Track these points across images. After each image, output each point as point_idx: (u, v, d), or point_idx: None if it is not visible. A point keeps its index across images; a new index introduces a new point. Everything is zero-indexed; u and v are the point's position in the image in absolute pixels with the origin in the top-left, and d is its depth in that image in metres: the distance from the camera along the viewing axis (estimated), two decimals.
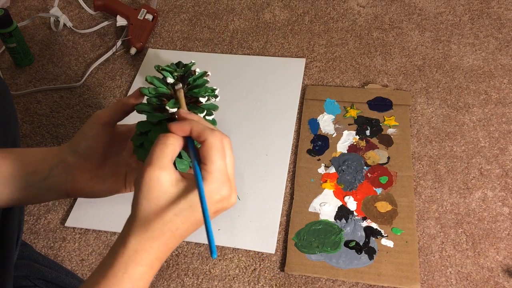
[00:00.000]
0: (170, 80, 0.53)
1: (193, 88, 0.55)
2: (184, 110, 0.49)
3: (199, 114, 0.55)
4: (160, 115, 0.53)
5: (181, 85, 0.53)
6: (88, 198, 0.60)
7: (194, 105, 0.54)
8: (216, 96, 0.56)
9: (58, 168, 0.56)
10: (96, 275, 0.44)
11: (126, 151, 0.61)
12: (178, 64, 0.57)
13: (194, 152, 0.47)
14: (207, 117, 0.55)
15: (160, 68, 0.55)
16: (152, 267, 0.45)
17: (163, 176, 0.44)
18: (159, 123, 0.54)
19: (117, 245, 0.45)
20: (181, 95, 0.52)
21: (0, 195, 0.56)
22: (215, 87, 0.56)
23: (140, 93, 0.56)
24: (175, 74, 0.54)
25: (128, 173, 0.60)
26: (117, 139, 0.60)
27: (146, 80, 0.55)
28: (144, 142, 0.55)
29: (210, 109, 0.56)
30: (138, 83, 1.05)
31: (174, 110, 0.52)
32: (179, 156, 0.52)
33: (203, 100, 0.54)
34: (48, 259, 0.78)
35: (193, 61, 0.57)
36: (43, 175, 0.56)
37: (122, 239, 0.45)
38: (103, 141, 0.56)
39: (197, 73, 0.56)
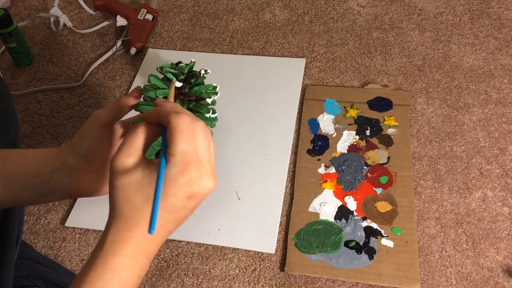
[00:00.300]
0: (178, 84, 0.54)
1: (194, 86, 0.55)
2: (160, 99, 0.49)
3: (205, 114, 0.55)
4: None
5: (174, 79, 0.53)
6: (92, 197, 0.60)
7: (197, 104, 0.55)
8: (216, 93, 0.57)
9: (60, 171, 0.56)
10: (82, 270, 0.44)
11: None
12: (178, 64, 0.57)
13: (165, 140, 0.45)
14: (211, 115, 0.56)
15: (164, 70, 0.55)
16: (134, 259, 0.44)
17: (128, 162, 0.44)
18: None
19: (99, 240, 0.45)
20: (172, 88, 0.52)
21: (3, 195, 0.55)
22: (215, 85, 0.57)
23: (138, 92, 0.56)
24: (181, 77, 0.55)
25: None
26: (117, 137, 0.60)
27: (149, 80, 0.55)
28: None
29: (213, 105, 0.57)
30: (138, 83, 1.05)
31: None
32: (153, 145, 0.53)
33: (209, 100, 0.55)
34: (48, 259, 0.78)
35: (193, 60, 0.57)
36: (45, 178, 0.55)
37: (103, 233, 0.45)
38: (104, 142, 0.56)
39: (201, 75, 0.57)
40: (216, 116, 0.57)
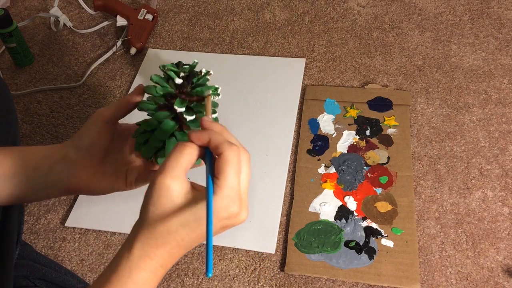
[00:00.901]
0: (178, 81, 0.53)
1: (197, 87, 0.55)
2: (207, 119, 0.49)
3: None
4: (166, 113, 0.54)
5: (210, 91, 0.53)
6: (89, 194, 0.60)
7: (198, 104, 0.55)
8: (218, 95, 0.56)
9: (60, 164, 0.56)
10: (102, 279, 0.45)
11: (127, 149, 0.61)
12: (179, 64, 0.57)
13: (210, 164, 0.46)
14: (212, 116, 0.56)
15: (166, 68, 0.55)
16: (156, 274, 0.45)
17: (173, 185, 0.44)
18: (161, 122, 0.55)
19: (123, 249, 0.45)
20: (209, 102, 0.51)
21: (1, 191, 0.56)
22: (217, 86, 0.57)
23: (141, 90, 0.56)
24: (182, 75, 0.55)
25: (129, 171, 0.60)
26: (118, 137, 0.60)
27: (151, 79, 0.55)
28: (149, 139, 0.55)
29: (214, 108, 0.57)
30: (138, 83, 1.05)
31: (182, 109, 0.52)
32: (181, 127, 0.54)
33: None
34: (48, 259, 0.78)
35: (196, 61, 0.57)
36: (45, 171, 0.56)
37: (128, 243, 0.45)
38: (105, 138, 0.57)
39: (202, 74, 0.57)
40: (216, 117, 0.58)
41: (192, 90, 0.55)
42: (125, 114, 0.58)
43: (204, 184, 0.46)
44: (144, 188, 0.48)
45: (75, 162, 0.56)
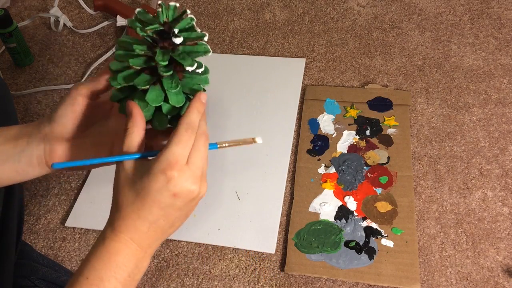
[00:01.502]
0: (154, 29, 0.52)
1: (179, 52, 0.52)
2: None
3: (193, 69, 0.52)
4: (145, 78, 0.52)
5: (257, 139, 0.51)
6: (72, 170, 0.60)
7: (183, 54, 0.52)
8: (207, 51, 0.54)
9: (36, 138, 0.56)
10: (85, 258, 0.49)
11: (112, 120, 0.59)
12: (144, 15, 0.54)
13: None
14: (198, 70, 0.54)
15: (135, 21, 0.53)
16: (128, 246, 0.48)
17: (127, 163, 0.49)
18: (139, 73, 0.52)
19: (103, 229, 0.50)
20: (240, 143, 0.52)
21: None
22: (203, 33, 0.54)
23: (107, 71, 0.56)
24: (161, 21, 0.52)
25: (116, 142, 0.57)
26: (100, 109, 0.58)
27: (116, 48, 0.53)
28: (127, 97, 0.53)
29: (206, 52, 0.54)
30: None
31: (165, 63, 0.50)
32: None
33: (190, 69, 0.51)
34: (48, 259, 0.78)
35: (174, 3, 0.55)
36: (23, 146, 0.56)
37: (107, 222, 0.51)
38: (81, 112, 0.55)
39: (187, 16, 0.53)
40: (206, 69, 0.55)
41: (173, 52, 0.52)
42: (103, 91, 0.56)
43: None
44: None
45: (50, 135, 0.55)
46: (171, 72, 0.50)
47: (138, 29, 0.52)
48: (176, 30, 0.51)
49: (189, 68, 0.51)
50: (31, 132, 0.56)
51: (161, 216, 0.49)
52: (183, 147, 0.48)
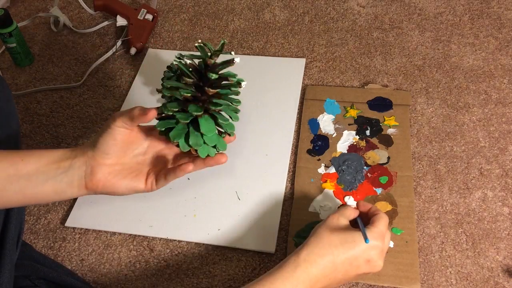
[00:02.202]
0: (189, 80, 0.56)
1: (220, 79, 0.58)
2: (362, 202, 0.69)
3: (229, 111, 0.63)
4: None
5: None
6: (108, 194, 0.62)
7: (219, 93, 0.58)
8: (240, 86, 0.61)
9: (79, 160, 0.59)
10: (267, 276, 0.58)
11: (149, 149, 0.65)
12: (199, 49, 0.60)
13: (362, 224, 0.64)
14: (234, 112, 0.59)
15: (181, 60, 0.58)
16: (309, 280, 0.58)
17: (341, 221, 0.64)
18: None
19: (292, 255, 0.61)
20: (361, 224, 0.64)
21: (25, 190, 0.57)
22: (241, 79, 0.60)
23: (155, 114, 0.60)
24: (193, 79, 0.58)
25: (150, 172, 0.65)
26: (139, 138, 0.62)
27: (162, 86, 0.59)
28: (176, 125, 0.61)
29: (237, 105, 0.61)
30: (138, 83, 1.05)
31: (200, 113, 0.59)
32: (187, 143, 0.61)
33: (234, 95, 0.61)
34: (48, 259, 0.79)
35: (224, 40, 0.60)
36: (65, 167, 0.59)
37: (296, 251, 0.61)
38: (119, 139, 0.59)
39: (234, 62, 0.59)
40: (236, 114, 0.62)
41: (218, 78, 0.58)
42: (139, 122, 0.60)
43: None
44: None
45: (92, 159, 0.60)
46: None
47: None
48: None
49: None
50: (76, 155, 0.60)
51: (347, 277, 0.62)
52: (384, 231, 0.63)
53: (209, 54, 0.59)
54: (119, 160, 0.60)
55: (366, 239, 0.58)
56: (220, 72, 0.60)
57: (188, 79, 0.58)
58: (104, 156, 0.59)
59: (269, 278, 0.57)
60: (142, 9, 1.15)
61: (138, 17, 1.13)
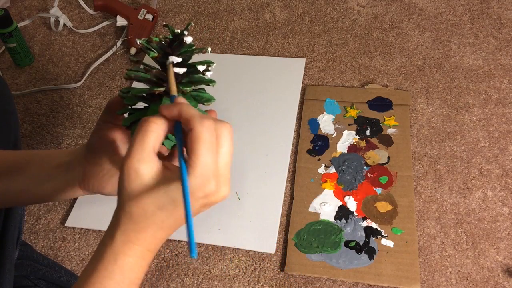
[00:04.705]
0: (179, 70, 0.49)
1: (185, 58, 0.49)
2: (181, 97, 0.46)
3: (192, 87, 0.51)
4: (146, 89, 0.50)
5: (172, 60, 0.47)
6: (99, 194, 0.61)
7: (189, 77, 0.50)
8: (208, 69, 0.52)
9: (77, 160, 0.59)
10: (88, 269, 0.44)
11: None
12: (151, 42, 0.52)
13: (180, 140, 0.43)
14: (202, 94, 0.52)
15: (145, 43, 0.51)
16: (143, 258, 0.44)
17: (142, 168, 0.42)
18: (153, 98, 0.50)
19: (105, 238, 0.44)
20: (171, 73, 0.47)
21: (27, 189, 0.58)
22: (211, 61, 0.52)
23: (118, 102, 0.55)
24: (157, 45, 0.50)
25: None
26: (128, 136, 0.60)
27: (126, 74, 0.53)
28: (138, 120, 0.51)
29: (209, 101, 0.52)
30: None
31: (163, 89, 0.48)
32: (166, 137, 0.48)
33: (201, 68, 0.49)
34: (48, 259, 0.79)
35: (191, 23, 0.53)
36: (65, 167, 0.59)
37: (110, 231, 0.44)
38: (105, 136, 0.57)
39: (191, 46, 0.50)
40: (209, 97, 0.53)
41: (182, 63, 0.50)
42: (116, 109, 0.57)
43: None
44: None
45: (85, 159, 0.58)
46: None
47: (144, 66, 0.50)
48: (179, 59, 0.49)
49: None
50: (74, 155, 0.59)
51: (179, 223, 0.45)
52: (211, 153, 0.42)
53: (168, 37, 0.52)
54: (109, 159, 0.59)
55: (191, 252, 0.39)
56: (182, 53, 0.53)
57: (153, 70, 0.52)
58: (94, 155, 0.58)
59: (94, 275, 0.44)
60: (142, 9, 1.15)
61: (138, 17, 1.13)
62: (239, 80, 1.03)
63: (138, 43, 0.50)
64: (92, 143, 0.58)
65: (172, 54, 0.48)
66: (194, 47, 0.51)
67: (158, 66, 0.51)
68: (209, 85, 0.52)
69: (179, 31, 0.50)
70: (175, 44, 0.49)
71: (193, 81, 0.50)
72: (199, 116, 0.42)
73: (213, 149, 0.42)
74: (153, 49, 0.49)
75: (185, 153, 0.43)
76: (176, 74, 0.49)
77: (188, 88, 0.49)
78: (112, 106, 0.55)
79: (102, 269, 0.43)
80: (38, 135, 0.99)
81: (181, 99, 0.46)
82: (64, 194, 0.61)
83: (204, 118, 0.42)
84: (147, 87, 0.51)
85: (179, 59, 0.48)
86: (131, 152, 0.42)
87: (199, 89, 0.53)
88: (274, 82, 1.02)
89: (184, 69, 0.48)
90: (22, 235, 0.71)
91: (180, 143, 0.43)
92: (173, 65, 0.46)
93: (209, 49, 0.52)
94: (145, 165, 0.42)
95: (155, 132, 0.42)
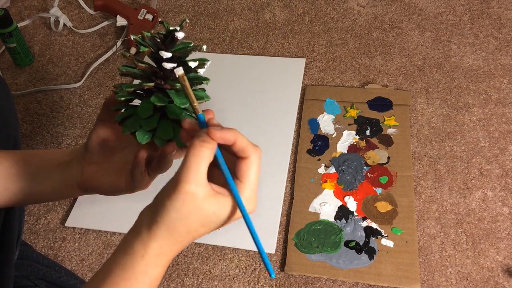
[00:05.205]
0: (168, 66, 0.48)
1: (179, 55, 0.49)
2: (216, 124, 0.47)
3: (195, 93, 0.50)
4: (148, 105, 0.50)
5: (182, 70, 0.44)
6: (96, 193, 0.61)
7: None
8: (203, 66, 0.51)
9: (74, 160, 0.59)
10: (114, 275, 0.45)
11: (128, 149, 0.60)
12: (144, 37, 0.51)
13: (225, 164, 0.45)
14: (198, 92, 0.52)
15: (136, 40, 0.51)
16: (167, 265, 0.47)
17: (199, 193, 0.43)
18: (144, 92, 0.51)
19: (136, 247, 0.45)
20: (187, 86, 0.44)
21: (26, 189, 0.59)
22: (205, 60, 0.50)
23: (112, 100, 0.55)
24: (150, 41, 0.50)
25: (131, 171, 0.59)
26: (125, 136, 0.60)
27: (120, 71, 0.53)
28: (133, 115, 0.51)
29: (203, 99, 0.51)
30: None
31: (152, 84, 0.49)
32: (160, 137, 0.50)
33: (193, 64, 0.48)
34: (48, 259, 0.79)
35: (186, 20, 0.52)
36: (64, 166, 0.59)
37: (142, 242, 0.45)
38: (102, 136, 0.58)
39: (185, 45, 0.49)
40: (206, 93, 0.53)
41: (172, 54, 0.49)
42: (112, 107, 0.57)
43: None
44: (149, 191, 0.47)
45: (82, 159, 0.59)
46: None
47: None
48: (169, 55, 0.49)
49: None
50: (73, 155, 0.60)
51: (205, 232, 0.48)
52: (257, 176, 0.46)
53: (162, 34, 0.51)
54: (107, 159, 0.60)
55: (270, 273, 0.46)
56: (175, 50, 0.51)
57: (141, 64, 0.51)
58: (92, 155, 0.58)
59: (122, 283, 0.45)
60: (142, 9, 1.15)
61: (138, 17, 1.13)
62: (239, 80, 1.03)
63: (132, 38, 0.50)
64: (90, 142, 0.58)
65: (165, 50, 0.48)
66: (191, 45, 0.50)
67: (153, 63, 0.51)
68: (202, 83, 0.52)
69: (176, 28, 0.50)
70: (168, 40, 0.49)
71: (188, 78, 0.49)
72: (252, 145, 0.45)
73: (258, 173, 0.46)
74: (145, 45, 0.49)
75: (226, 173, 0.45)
76: (167, 70, 0.48)
77: (178, 85, 0.49)
78: (108, 104, 0.55)
79: (132, 278, 0.44)
80: (38, 135, 0.99)
81: (210, 115, 0.47)
82: (63, 194, 0.61)
83: (256, 147, 0.46)
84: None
85: (169, 54, 0.48)
86: (187, 174, 0.43)
87: (197, 88, 0.52)
88: (274, 82, 1.02)
89: (174, 65, 0.47)
90: (22, 235, 0.71)
91: (225, 167, 0.45)
92: (184, 75, 0.44)
93: (204, 47, 0.51)
94: (201, 188, 0.43)
95: (208, 157, 0.44)
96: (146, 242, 0.45)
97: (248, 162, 0.45)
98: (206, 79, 0.51)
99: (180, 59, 0.50)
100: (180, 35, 0.49)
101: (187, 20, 0.52)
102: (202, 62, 0.50)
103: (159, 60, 0.48)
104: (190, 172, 0.43)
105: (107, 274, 0.45)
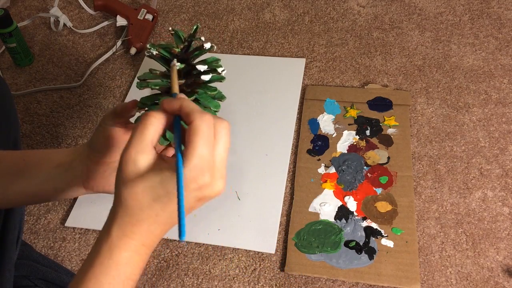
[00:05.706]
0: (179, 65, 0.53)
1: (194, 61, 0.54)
2: (182, 94, 0.47)
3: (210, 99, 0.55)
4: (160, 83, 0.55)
5: (174, 60, 0.50)
6: (104, 193, 0.61)
7: (196, 79, 0.54)
8: (222, 78, 0.56)
9: (77, 160, 0.59)
10: (85, 265, 0.45)
11: None
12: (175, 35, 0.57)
13: (179, 133, 0.44)
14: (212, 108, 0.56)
15: (156, 49, 0.55)
16: (138, 253, 0.44)
17: (139, 159, 0.43)
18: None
19: (102, 233, 0.45)
20: (174, 73, 0.49)
21: (27, 189, 0.59)
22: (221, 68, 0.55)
23: (134, 105, 0.57)
24: (180, 48, 0.54)
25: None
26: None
27: (139, 79, 0.56)
28: None
29: (220, 99, 0.56)
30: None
31: (182, 66, 0.53)
32: (164, 136, 0.52)
33: (201, 67, 0.53)
34: (48, 259, 0.79)
35: (198, 25, 0.57)
36: (65, 167, 0.59)
37: (106, 227, 0.45)
38: (109, 136, 0.58)
39: (204, 47, 0.55)
40: (218, 103, 0.58)
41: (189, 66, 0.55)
42: (127, 116, 0.58)
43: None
44: None
45: (88, 158, 0.59)
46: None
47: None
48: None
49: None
50: (74, 155, 0.59)
51: (175, 217, 0.44)
52: (208, 147, 0.42)
53: (182, 40, 0.55)
54: (113, 159, 0.60)
55: (181, 235, 0.40)
56: (199, 60, 0.56)
57: (155, 71, 0.55)
58: (98, 155, 0.58)
59: (90, 271, 0.44)
60: (142, 9, 1.15)
61: (138, 17, 1.13)
62: (239, 80, 1.03)
63: (174, 63, 0.54)
64: (96, 142, 0.58)
65: (196, 63, 0.54)
66: (208, 48, 0.56)
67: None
68: (221, 81, 0.57)
69: (202, 39, 0.56)
70: (196, 53, 0.55)
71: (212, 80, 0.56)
72: (199, 111, 0.43)
73: (210, 143, 0.43)
74: (176, 60, 0.53)
75: (182, 147, 0.44)
76: (202, 80, 0.54)
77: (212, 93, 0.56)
78: (123, 111, 0.56)
79: (98, 264, 0.43)
80: (38, 135, 0.99)
81: (182, 95, 0.47)
82: (65, 193, 0.61)
83: (204, 113, 0.43)
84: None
85: (204, 67, 0.54)
86: (130, 143, 0.43)
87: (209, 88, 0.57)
88: (274, 82, 1.02)
89: (205, 67, 0.54)
90: (22, 235, 0.72)
91: (178, 136, 0.44)
92: (176, 66, 0.50)
93: (214, 47, 0.57)
94: (143, 155, 0.43)
95: (154, 125, 0.43)
96: (108, 225, 0.44)
97: (191, 127, 0.42)
98: (223, 78, 0.57)
99: (209, 68, 0.56)
100: (207, 45, 0.55)
101: (199, 25, 0.57)
102: (222, 70, 0.57)
103: (170, 65, 0.53)
104: (132, 139, 0.43)
105: (81, 266, 0.46)
